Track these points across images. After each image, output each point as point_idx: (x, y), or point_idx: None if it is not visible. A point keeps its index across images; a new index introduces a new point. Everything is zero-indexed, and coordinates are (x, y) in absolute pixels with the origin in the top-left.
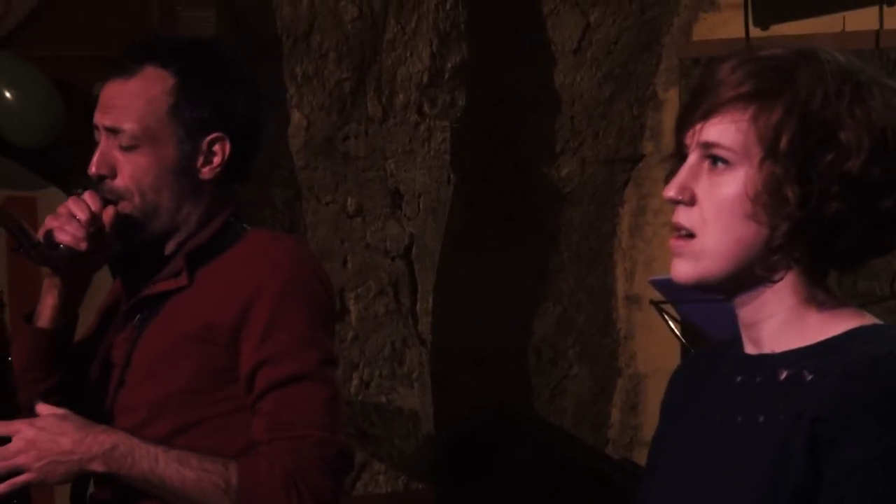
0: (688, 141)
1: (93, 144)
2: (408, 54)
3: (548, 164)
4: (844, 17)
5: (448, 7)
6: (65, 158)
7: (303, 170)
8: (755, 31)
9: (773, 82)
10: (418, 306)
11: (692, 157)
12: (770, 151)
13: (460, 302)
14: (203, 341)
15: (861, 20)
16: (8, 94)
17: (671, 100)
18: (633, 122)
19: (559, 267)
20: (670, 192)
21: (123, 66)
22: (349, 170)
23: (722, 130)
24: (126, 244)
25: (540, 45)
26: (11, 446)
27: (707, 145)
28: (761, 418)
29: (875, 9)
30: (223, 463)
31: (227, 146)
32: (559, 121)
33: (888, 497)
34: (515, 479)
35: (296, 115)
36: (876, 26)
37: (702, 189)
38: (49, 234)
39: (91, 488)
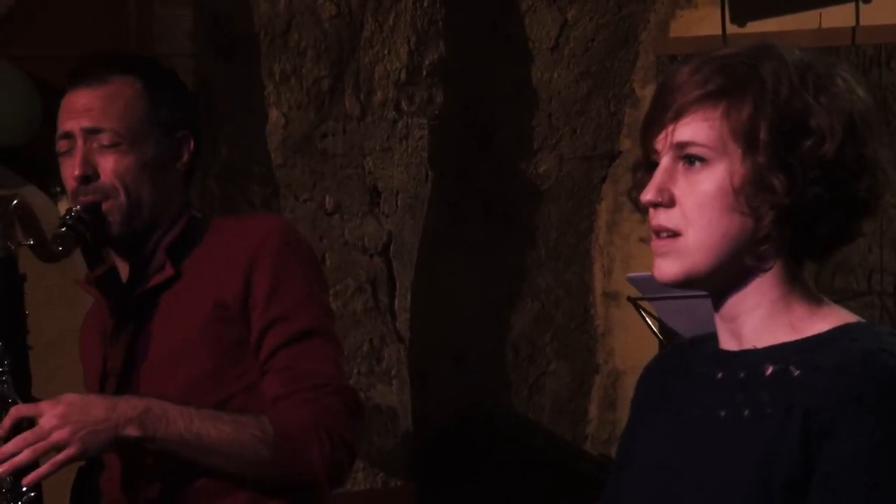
0: (658, 146)
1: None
2: (385, 52)
3: (525, 160)
4: (821, 14)
5: (426, 4)
6: (43, 156)
7: (280, 167)
8: (732, 28)
9: (738, 77)
10: (396, 303)
11: (665, 160)
12: (750, 143)
13: (438, 299)
14: (217, 320)
15: (837, 17)
16: None
17: (648, 97)
18: (611, 118)
19: (537, 263)
20: (648, 195)
21: (92, 74)
22: (327, 167)
23: (695, 129)
24: (111, 240)
25: (517, 43)
26: (44, 424)
27: (681, 145)
28: (746, 412)
29: (851, 5)
30: (254, 416)
31: (192, 143)
32: (537, 118)
33: (882, 489)
34: (494, 476)
35: (274, 113)
36: (852, 23)
37: (680, 189)
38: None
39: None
